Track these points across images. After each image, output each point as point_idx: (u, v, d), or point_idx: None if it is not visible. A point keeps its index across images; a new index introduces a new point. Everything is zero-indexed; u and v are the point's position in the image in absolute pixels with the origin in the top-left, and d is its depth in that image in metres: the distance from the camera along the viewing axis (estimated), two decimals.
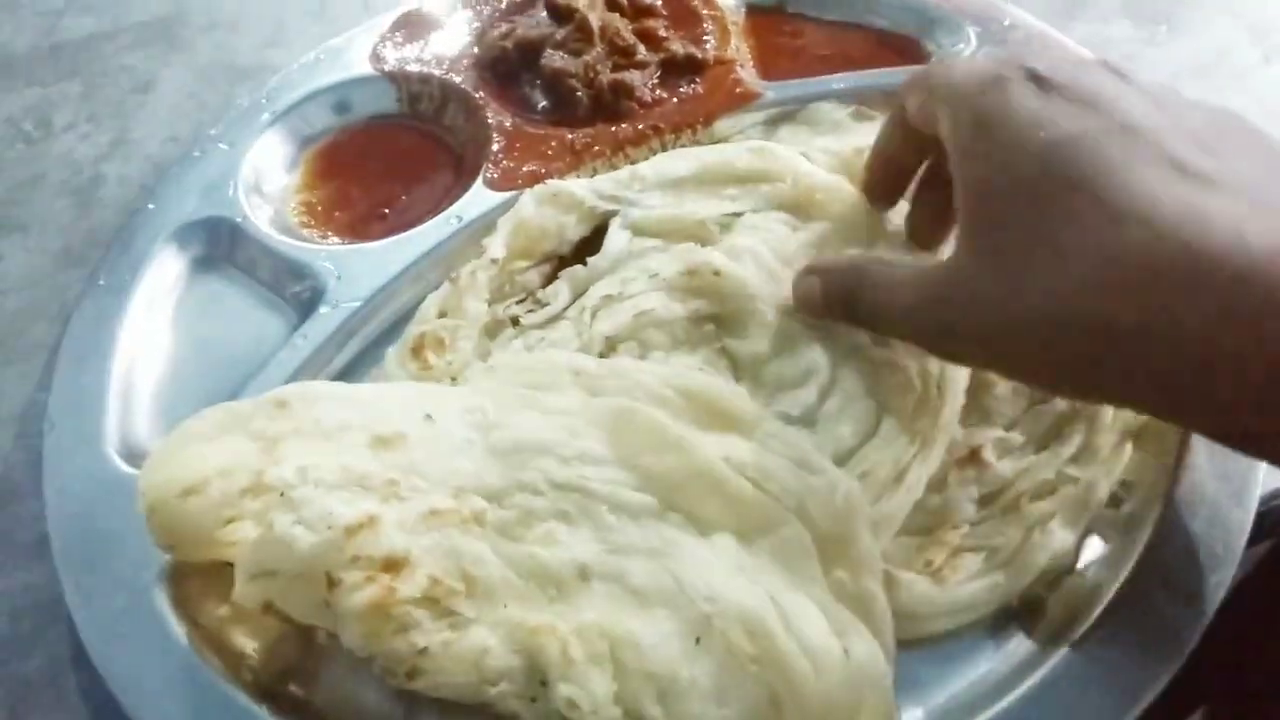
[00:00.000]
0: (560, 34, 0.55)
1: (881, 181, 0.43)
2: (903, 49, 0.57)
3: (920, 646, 0.37)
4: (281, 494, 0.36)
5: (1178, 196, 0.28)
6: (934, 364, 0.40)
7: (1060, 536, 0.39)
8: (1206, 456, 0.40)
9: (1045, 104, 0.31)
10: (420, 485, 0.37)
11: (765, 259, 0.44)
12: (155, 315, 0.48)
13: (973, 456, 0.40)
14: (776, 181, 0.47)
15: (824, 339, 0.42)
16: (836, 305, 0.39)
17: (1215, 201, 0.28)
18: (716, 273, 0.44)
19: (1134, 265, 0.28)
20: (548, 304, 0.46)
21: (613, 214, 0.47)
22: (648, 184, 0.48)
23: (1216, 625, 0.35)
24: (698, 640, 0.32)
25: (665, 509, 0.37)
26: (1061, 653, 0.36)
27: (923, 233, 0.42)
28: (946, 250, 0.42)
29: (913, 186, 0.43)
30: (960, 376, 0.40)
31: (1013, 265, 0.31)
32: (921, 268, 0.37)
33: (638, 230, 0.47)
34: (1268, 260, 0.26)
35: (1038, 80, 0.32)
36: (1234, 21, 0.56)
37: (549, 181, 0.49)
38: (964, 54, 0.54)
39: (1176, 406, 0.30)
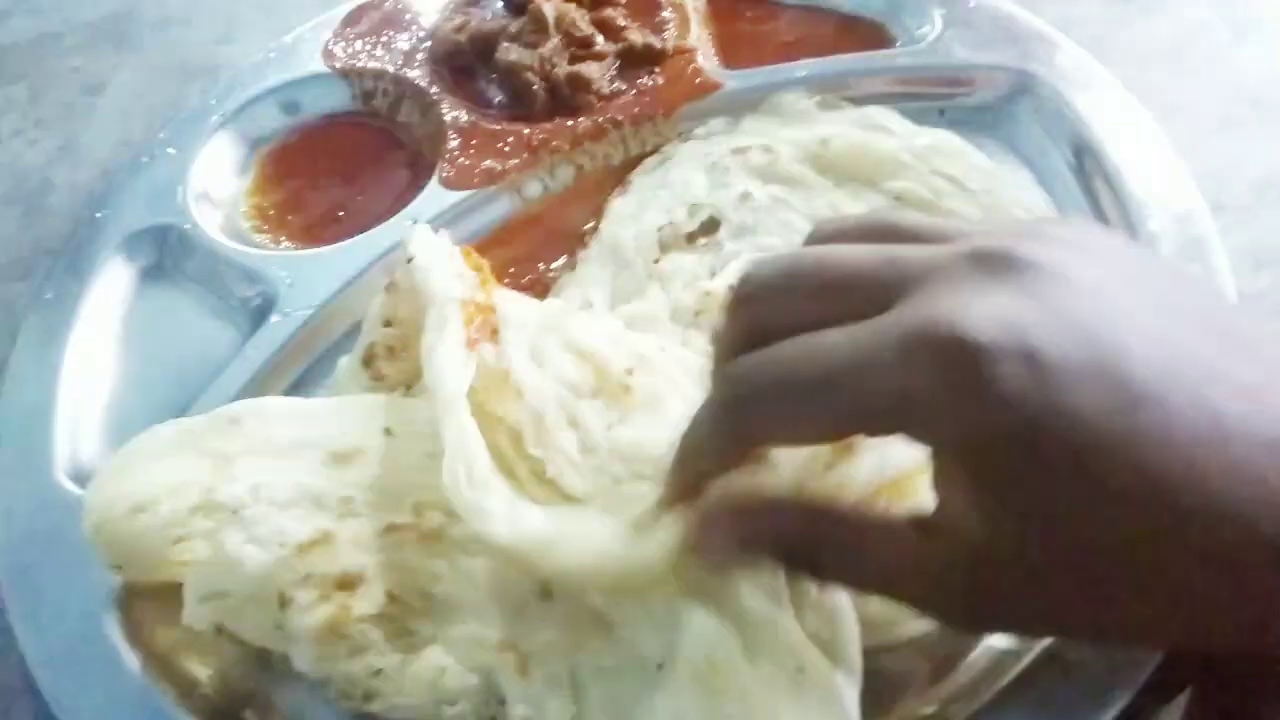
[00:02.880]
0: (515, 26, 0.54)
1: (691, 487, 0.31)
2: (868, 33, 0.56)
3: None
4: (233, 512, 0.35)
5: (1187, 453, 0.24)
6: None
7: None
8: None
9: (1053, 396, 0.24)
10: (376, 501, 0.36)
11: None
12: (104, 328, 0.47)
13: None
14: None
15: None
16: (798, 563, 0.30)
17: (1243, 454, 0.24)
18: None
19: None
20: None
21: None
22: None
23: None
24: (659, 666, 0.31)
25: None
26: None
27: None
28: None
29: None
30: None
31: (1043, 516, 0.25)
32: (932, 547, 0.28)
33: None
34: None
35: (1022, 358, 0.24)
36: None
37: None
38: (928, 37, 0.53)
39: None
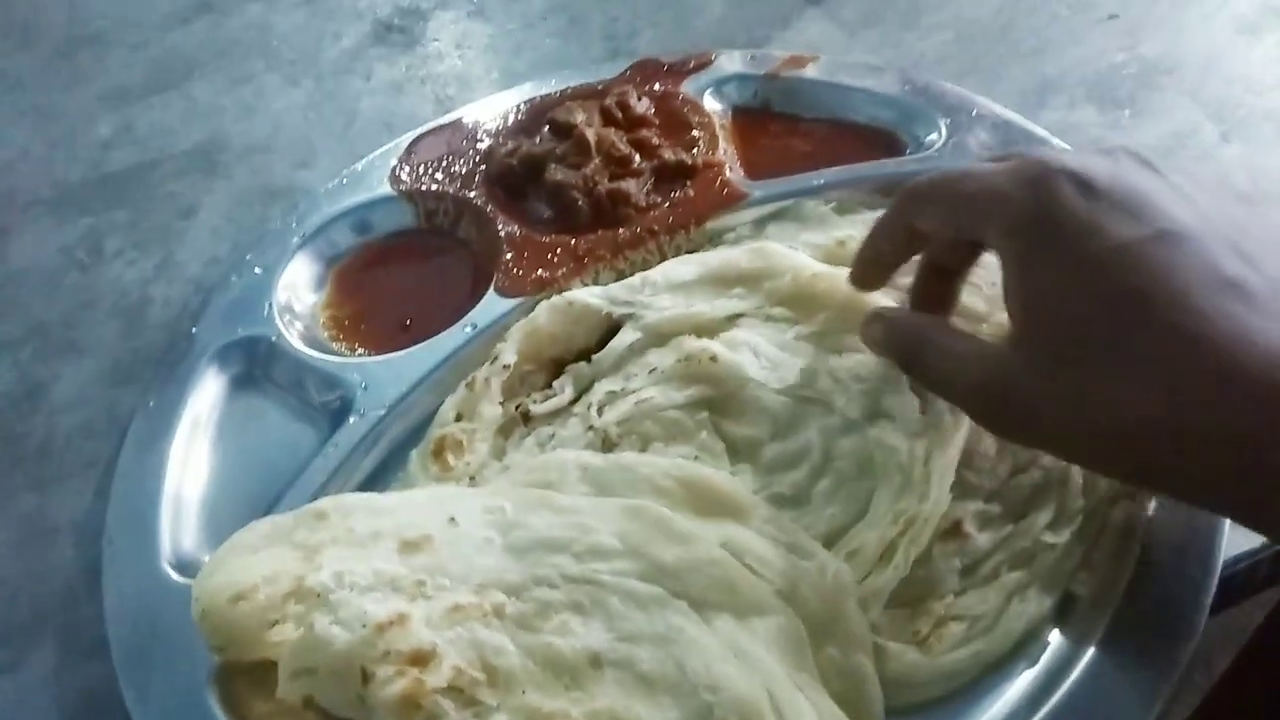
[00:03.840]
0: (561, 149, 0.60)
1: (869, 274, 0.46)
2: (879, 142, 0.61)
3: (910, 712, 0.40)
4: (320, 597, 0.39)
5: (1222, 313, 0.31)
6: (922, 445, 0.43)
7: (1037, 603, 0.41)
8: (1170, 519, 0.42)
9: (1093, 209, 0.33)
10: (445, 584, 0.40)
11: (762, 348, 0.48)
12: (200, 433, 0.53)
13: (955, 529, 0.43)
14: (777, 278, 0.50)
15: (819, 419, 0.45)
16: (899, 351, 0.43)
17: (1255, 320, 0.31)
18: (713, 358, 0.48)
19: (1187, 382, 0.31)
20: (554, 395, 0.50)
21: (626, 317, 0.51)
22: (658, 288, 0.52)
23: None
24: None
25: (671, 596, 0.40)
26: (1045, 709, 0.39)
27: (925, 307, 0.45)
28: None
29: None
30: (950, 457, 0.43)
31: (1078, 371, 0.33)
32: (982, 347, 0.39)
33: (649, 331, 0.50)
34: None
35: (1080, 183, 0.34)
36: (1193, 103, 0.60)
37: (565, 293, 0.53)
38: (936, 144, 0.58)
39: (1245, 511, 0.33)
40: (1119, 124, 0.60)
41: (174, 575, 0.46)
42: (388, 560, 0.41)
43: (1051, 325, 0.34)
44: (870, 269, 0.46)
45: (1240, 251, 0.32)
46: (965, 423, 0.44)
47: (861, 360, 0.46)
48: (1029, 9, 0.69)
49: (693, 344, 0.49)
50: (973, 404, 0.39)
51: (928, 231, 0.41)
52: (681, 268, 0.53)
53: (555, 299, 0.53)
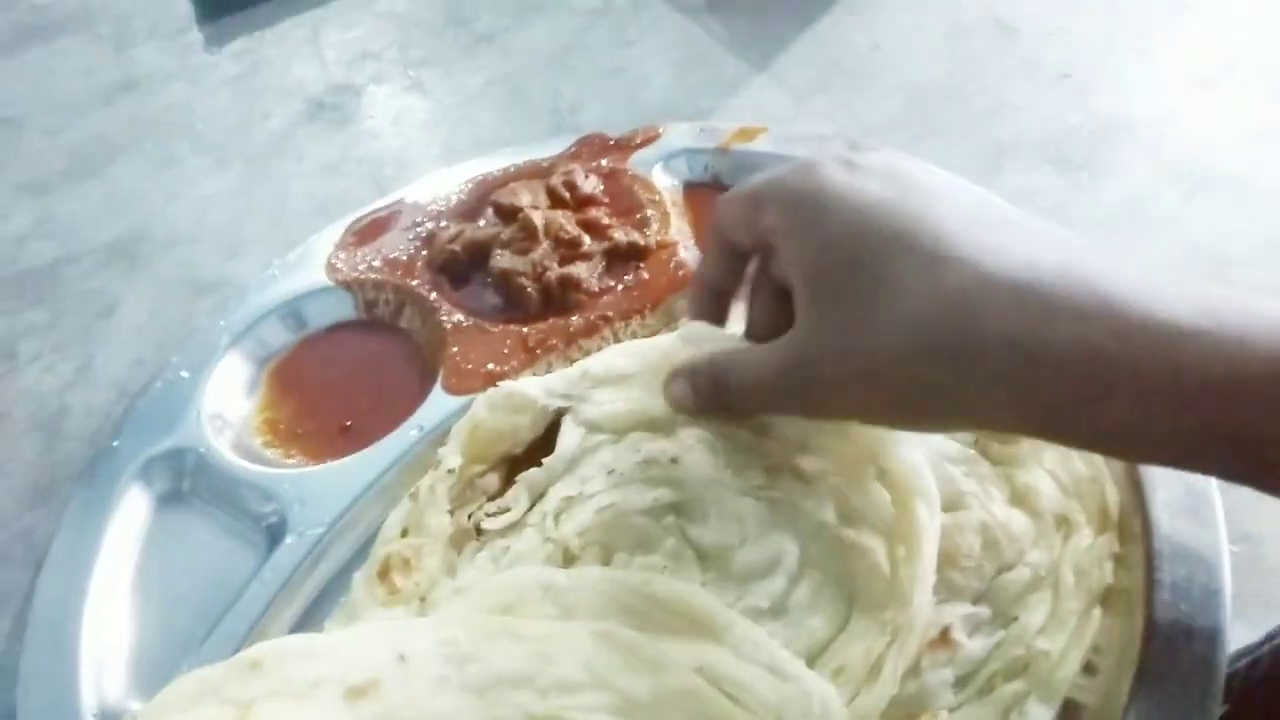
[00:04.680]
0: (506, 233, 0.57)
1: (708, 306, 0.46)
2: None
3: None
4: None
5: (975, 236, 0.34)
6: (901, 546, 0.41)
7: (1037, 716, 0.39)
8: (1170, 618, 0.40)
9: (852, 177, 0.36)
10: None
11: (719, 446, 0.45)
12: (124, 560, 0.49)
13: (943, 637, 0.40)
14: None
15: (788, 522, 0.42)
16: (708, 399, 0.43)
17: (1005, 236, 0.34)
18: (673, 460, 0.45)
19: (951, 297, 0.33)
20: (508, 509, 0.47)
21: (564, 411, 0.48)
22: (598, 380, 0.49)
23: None
24: None
25: None
26: None
27: (764, 332, 0.44)
28: None
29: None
30: (929, 555, 0.41)
31: (851, 317, 0.36)
32: (773, 344, 0.40)
33: (591, 427, 0.47)
34: (1055, 276, 0.32)
35: (844, 161, 0.37)
36: (1150, 160, 0.59)
37: (501, 384, 0.50)
38: None
39: (1026, 413, 0.34)
40: (1079, 185, 0.59)
41: None
42: (333, 713, 0.37)
43: (822, 286, 0.37)
44: (702, 296, 0.46)
45: (992, 218, 0.35)
46: (937, 516, 0.41)
47: (826, 451, 0.43)
48: (979, 69, 0.68)
49: (651, 446, 0.46)
50: (786, 400, 0.40)
51: (737, 241, 0.42)
52: (619, 359, 0.50)
53: (492, 392, 0.50)
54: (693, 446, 0.45)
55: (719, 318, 0.46)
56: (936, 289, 0.34)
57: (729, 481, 0.44)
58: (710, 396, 0.43)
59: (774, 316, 0.43)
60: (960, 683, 0.40)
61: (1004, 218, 0.36)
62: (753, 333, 0.44)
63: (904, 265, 0.34)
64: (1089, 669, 0.40)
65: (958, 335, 0.33)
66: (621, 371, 0.49)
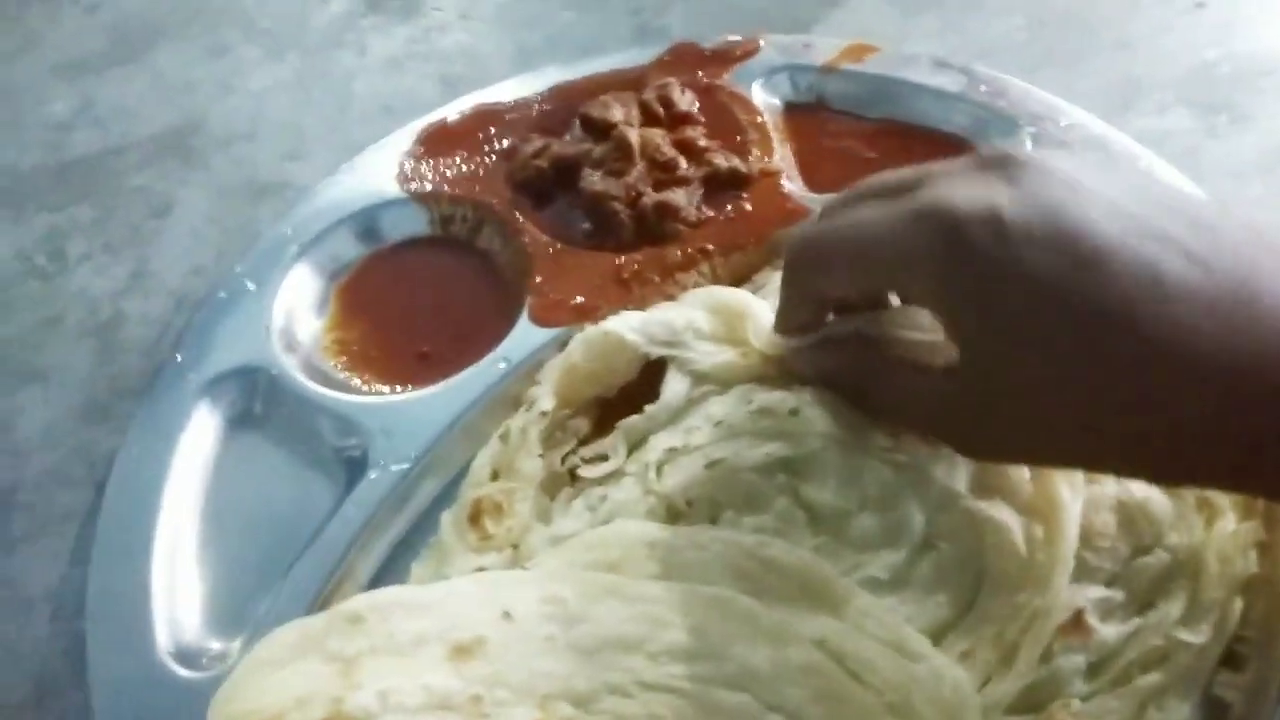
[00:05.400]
0: (597, 151, 0.53)
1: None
2: (952, 150, 0.54)
3: None
4: None
5: (1156, 324, 0.30)
6: (1040, 525, 0.38)
7: (1177, 711, 0.37)
8: None
9: (1006, 253, 0.31)
10: (505, 697, 0.35)
11: (840, 404, 0.42)
12: (193, 486, 0.46)
13: (1076, 621, 0.38)
14: None
15: (914, 489, 0.40)
16: (845, 393, 0.41)
17: (1180, 308, 0.29)
18: (793, 411, 0.42)
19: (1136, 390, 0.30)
20: (606, 457, 0.44)
21: (670, 360, 0.45)
22: (702, 334, 0.45)
23: None
24: None
25: (763, 709, 0.35)
26: None
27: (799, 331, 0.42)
28: None
29: None
30: (1070, 536, 0.38)
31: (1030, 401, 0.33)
32: (927, 385, 0.37)
33: (699, 378, 0.44)
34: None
35: (988, 225, 0.31)
36: None
37: (598, 325, 0.46)
38: None
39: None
40: (1216, 131, 0.55)
41: (177, 669, 0.40)
42: (437, 671, 0.35)
43: (990, 378, 0.33)
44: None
45: (1166, 238, 0.30)
46: (1081, 497, 0.39)
47: None
48: None
49: (767, 396, 0.43)
50: (933, 435, 0.39)
51: (839, 296, 0.40)
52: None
53: (590, 331, 0.47)
54: (812, 401, 0.42)
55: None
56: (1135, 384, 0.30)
57: (851, 441, 0.41)
58: (847, 392, 0.41)
59: (818, 323, 0.41)
60: (1093, 671, 0.38)
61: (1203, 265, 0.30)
62: (786, 329, 0.42)
63: (1104, 354, 0.31)
64: (1234, 663, 0.38)
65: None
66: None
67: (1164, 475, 0.35)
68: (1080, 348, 0.31)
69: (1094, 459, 0.34)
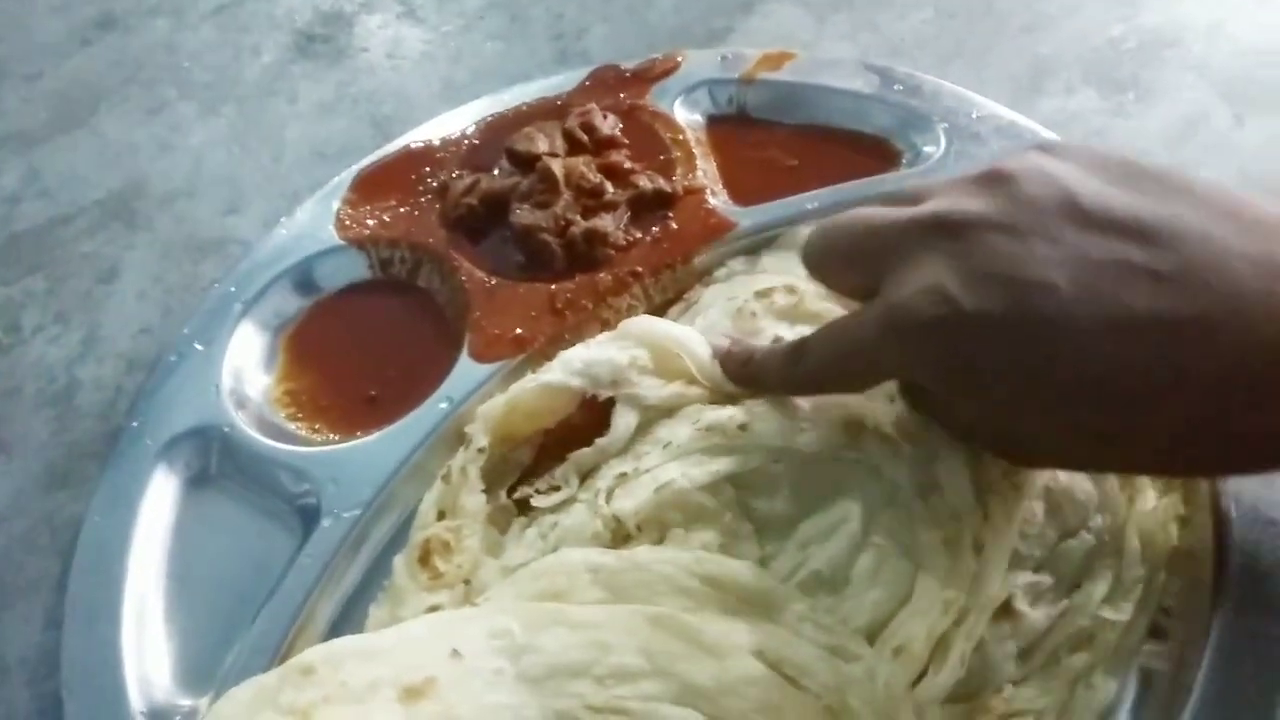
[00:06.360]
0: (524, 184, 0.54)
1: None
2: (872, 151, 0.56)
3: None
4: None
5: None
6: (974, 523, 0.39)
7: (1105, 688, 0.38)
8: (1242, 581, 0.39)
9: (1062, 303, 0.32)
10: None
11: (798, 406, 0.43)
12: (156, 547, 0.47)
13: (1006, 608, 0.40)
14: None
15: (860, 487, 0.41)
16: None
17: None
18: (743, 427, 0.43)
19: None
20: (559, 487, 0.45)
21: (619, 397, 0.46)
22: (646, 369, 0.46)
23: None
24: None
25: None
26: None
27: None
28: None
29: None
30: (1008, 531, 0.39)
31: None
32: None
33: (646, 410, 0.45)
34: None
35: (969, 315, 0.33)
36: (1201, 80, 0.55)
37: (537, 376, 0.47)
38: (935, 155, 0.53)
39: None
40: (1123, 110, 0.56)
41: None
42: (390, 714, 0.36)
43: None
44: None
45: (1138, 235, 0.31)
46: (1024, 498, 0.40)
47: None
48: None
49: (715, 413, 0.44)
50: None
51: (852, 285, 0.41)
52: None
53: (527, 382, 0.47)
54: (764, 414, 0.43)
55: None
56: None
57: (804, 445, 0.42)
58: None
59: None
60: (1024, 655, 0.39)
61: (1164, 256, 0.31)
62: None
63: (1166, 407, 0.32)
64: (1159, 634, 0.39)
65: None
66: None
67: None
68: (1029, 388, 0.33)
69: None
